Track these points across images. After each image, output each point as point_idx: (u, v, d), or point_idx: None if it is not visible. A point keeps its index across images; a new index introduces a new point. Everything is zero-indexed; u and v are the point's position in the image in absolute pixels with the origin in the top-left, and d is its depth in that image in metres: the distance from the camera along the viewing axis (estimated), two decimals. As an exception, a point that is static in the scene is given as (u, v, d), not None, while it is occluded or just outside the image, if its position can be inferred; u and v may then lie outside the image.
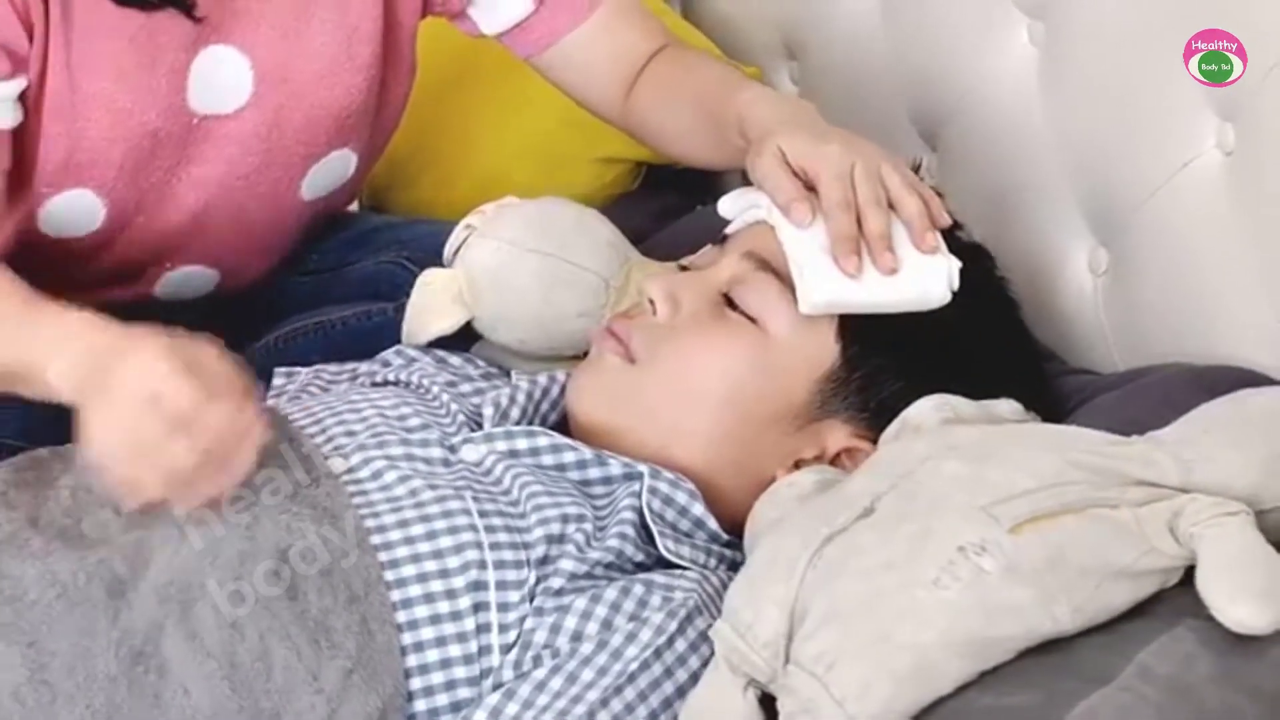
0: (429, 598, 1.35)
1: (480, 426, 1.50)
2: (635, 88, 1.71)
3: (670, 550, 1.40)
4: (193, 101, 1.59)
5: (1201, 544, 1.20)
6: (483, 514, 1.39)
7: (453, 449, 1.46)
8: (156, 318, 1.40)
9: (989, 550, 1.21)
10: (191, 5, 1.53)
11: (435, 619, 1.34)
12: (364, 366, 1.62)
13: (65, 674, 1.29)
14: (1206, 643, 1.15)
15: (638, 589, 1.37)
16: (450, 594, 1.35)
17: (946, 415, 1.40)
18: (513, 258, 1.61)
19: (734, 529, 1.43)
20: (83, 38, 1.51)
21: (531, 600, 1.36)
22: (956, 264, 1.45)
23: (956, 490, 1.26)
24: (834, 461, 1.47)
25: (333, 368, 1.62)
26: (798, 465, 1.46)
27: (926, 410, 1.41)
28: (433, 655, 1.34)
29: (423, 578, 1.35)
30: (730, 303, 1.48)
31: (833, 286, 1.43)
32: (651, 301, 1.50)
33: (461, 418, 1.51)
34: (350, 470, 1.42)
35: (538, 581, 1.36)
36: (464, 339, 1.65)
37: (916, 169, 1.54)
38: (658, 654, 1.34)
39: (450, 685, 1.34)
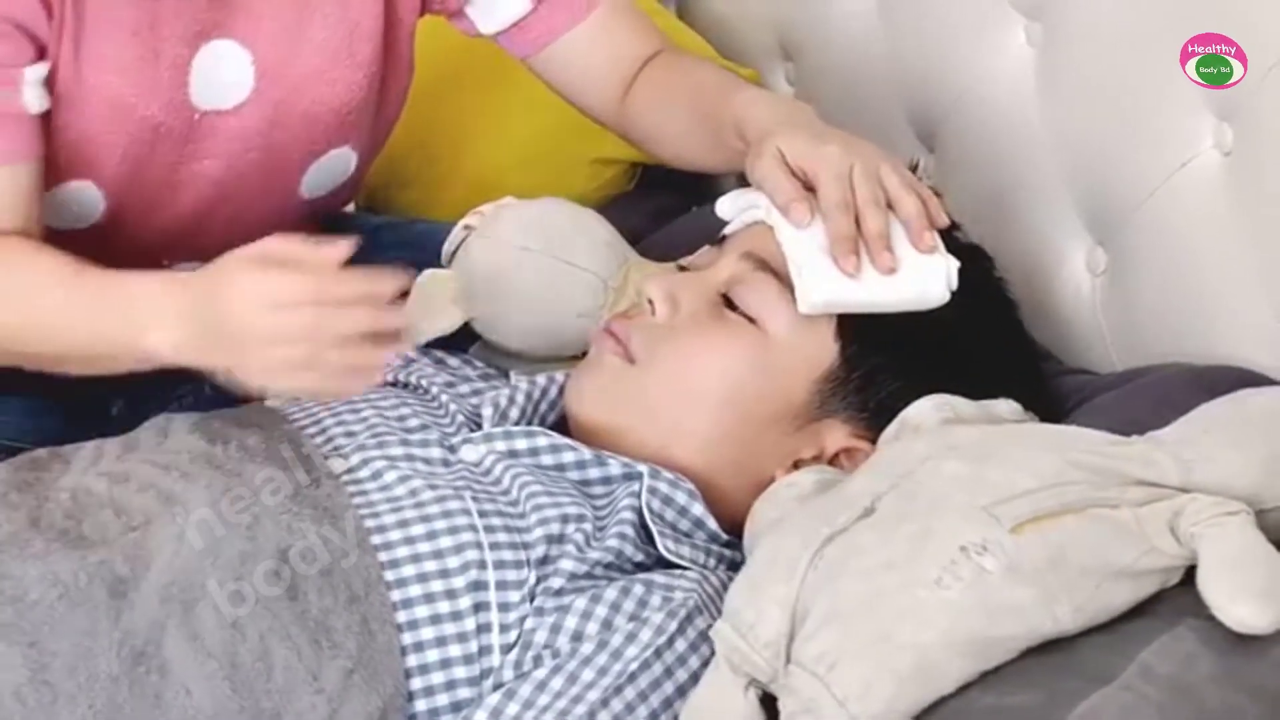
0: (429, 598, 1.35)
1: (479, 427, 1.50)
2: (631, 90, 1.71)
3: (670, 550, 1.40)
4: (194, 97, 1.58)
5: (1202, 543, 1.20)
6: (482, 514, 1.39)
7: (452, 449, 1.46)
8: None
9: (990, 550, 1.21)
10: None
11: (435, 619, 1.34)
12: (363, 366, 1.62)
13: (66, 674, 1.29)
14: (1208, 642, 1.16)
15: (638, 589, 1.37)
16: (450, 594, 1.35)
17: (946, 415, 1.41)
18: (512, 258, 1.61)
19: (733, 529, 1.44)
20: (91, 29, 1.51)
21: (532, 600, 1.36)
22: (955, 264, 1.46)
23: (957, 490, 1.26)
24: (833, 461, 1.47)
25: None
26: (797, 465, 1.46)
27: (926, 410, 1.42)
28: (433, 655, 1.34)
29: (423, 578, 1.35)
30: (729, 303, 1.48)
31: (831, 286, 1.44)
32: (650, 302, 1.50)
33: (460, 418, 1.51)
34: (350, 471, 1.42)
35: (538, 581, 1.36)
36: (462, 339, 1.65)
37: (914, 169, 1.54)
38: (658, 654, 1.34)
39: (450, 685, 1.34)
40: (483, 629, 1.35)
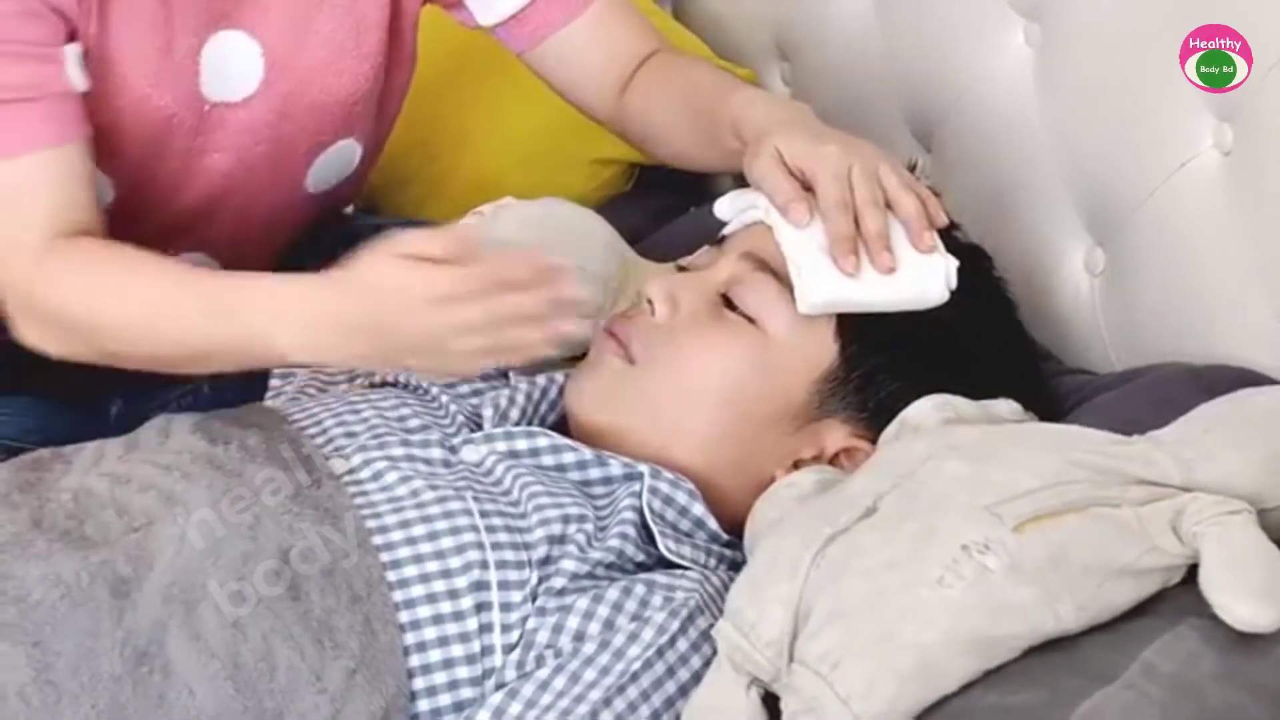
0: (431, 598, 1.35)
1: (479, 427, 1.50)
2: (628, 89, 1.71)
3: (671, 550, 1.40)
4: (205, 88, 1.59)
5: (1204, 543, 1.20)
6: (484, 514, 1.39)
7: (453, 450, 1.46)
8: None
9: (993, 549, 1.21)
10: None
11: (438, 619, 1.34)
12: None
13: (70, 674, 1.28)
14: (1210, 641, 1.16)
15: (639, 589, 1.37)
16: (453, 594, 1.35)
17: (947, 415, 1.41)
18: (511, 258, 1.61)
19: (733, 529, 1.44)
20: (115, 18, 1.51)
21: (534, 600, 1.36)
22: (954, 263, 1.46)
23: (959, 490, 1.26)
24: (833, 461, 1.47)
25: (330, 369, 1.62)
26: (797, 465, 1.46)
27: (926, 410, 1.42)
28: (435, 655, 1.34)
29: (425, 578, 1.35)
30: (729, 303, 1.48)
31: (831, 286, 1.44)
32: (650, 302, 1.50)
33: (461, 419, 1.51)
34: (351, 471, 1.42)
35: (540, 581, 1.36)
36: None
37: (913, 169, 1.54)
38: (660, 653, 1.35)
39: (453, 685, 1.34)
40: (485, 629, 1.35)
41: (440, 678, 1.34)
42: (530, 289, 1.34)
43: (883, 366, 1.47)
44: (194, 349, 1.43)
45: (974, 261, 1.51)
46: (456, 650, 1.34)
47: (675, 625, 1.35)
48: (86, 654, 1.29)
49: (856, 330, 1.46)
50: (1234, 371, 1.47)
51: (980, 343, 1.49)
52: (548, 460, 1.46)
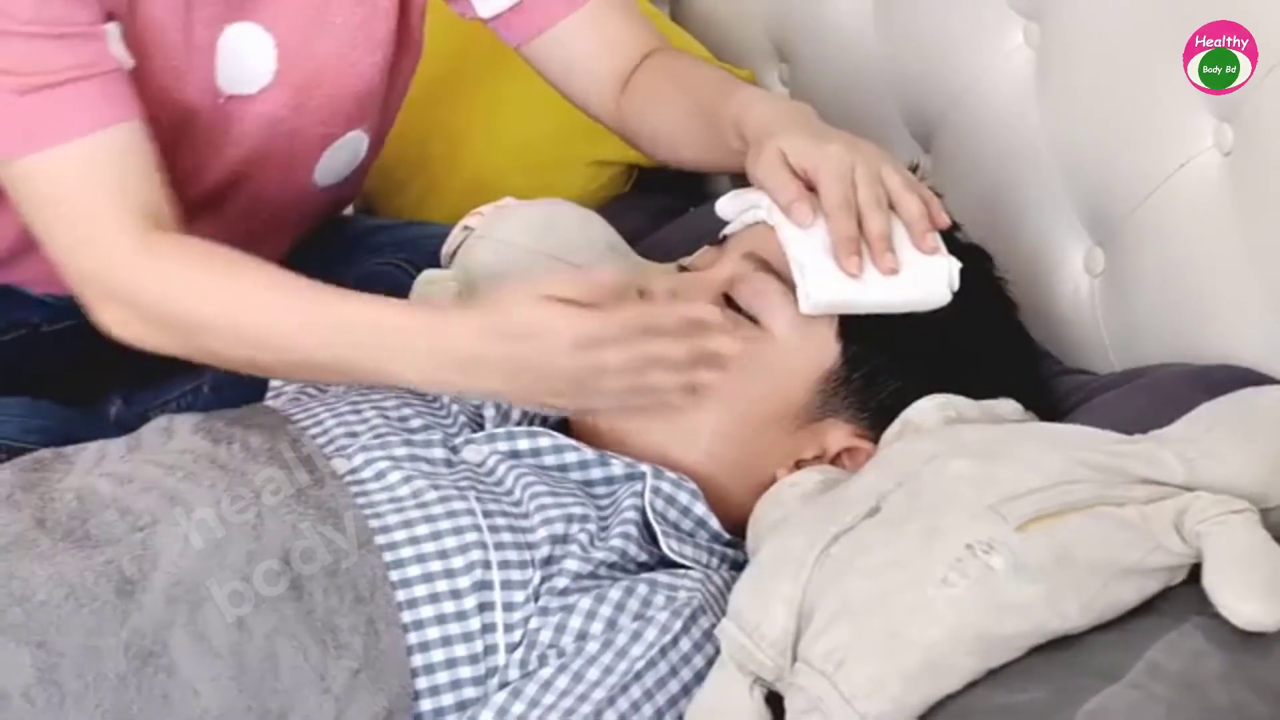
0: (434, 598, 1.35)
1: (481, 427, 1.50)
2: (628, 87, 1.70)
3: (674, 550, 1.40)
4: (221, 80, 1.59)
5: (1208, 541, 1.20)
6: (487, 514, 1.39)
7: (455, 450, 1.46)
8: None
9: (997, 548, 1.21)
10: None
11: (441, 619, 1.34)
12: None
13: (74, 674, 1.28)
14: (1215, 639, 1.16)
15: (642, 588, 1.37)
16: (455, 594, 1.35)
17: (949, 415, 1.41)
18: (512, 258, 1.61)
19: (735, 529, 1.44)
20: (143, 8, 1.51)
21: (536, 599, 1.36)
22: (957, 264, 1.46)
23: (963, 489, 1.26)
24: (834, 461, 1.47)
25: None
26: (798, 465, 1.46)
27: (928, 410, 1.42)
28: (438, 655, 1.34)
29: (428, 578, 1.35)
30: (731, 303, 1.48)
31: (834, 287, 1.44)
32: (651, 302, 1.50)
33: (463, 419, 1.51)
34: (353, 471, 1.42)
35: (542, 581, 1.37)
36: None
37: (915, 170, 1.54)
38: (663, 653, 1.35)
39: (456, 685, 1.34)
40: (488, 628, 1.35)
41: (443, 677, 1.34)
42: (676, 336, 1.37)
43: (884, 366, 1.47)
44: (307, 362, 1.44)
45: (975, 262, 1.51)
46: (459, 650, 1.34)
47: (678, 625, 1.36)
48: (91, 654, 1.29)
49: (858, 330, 1.46)
50: (1234, 371, 1.47)
51: (982, 343, 1.49)
52: (550, 460, 1.46)
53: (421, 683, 1.33)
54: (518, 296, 1.36)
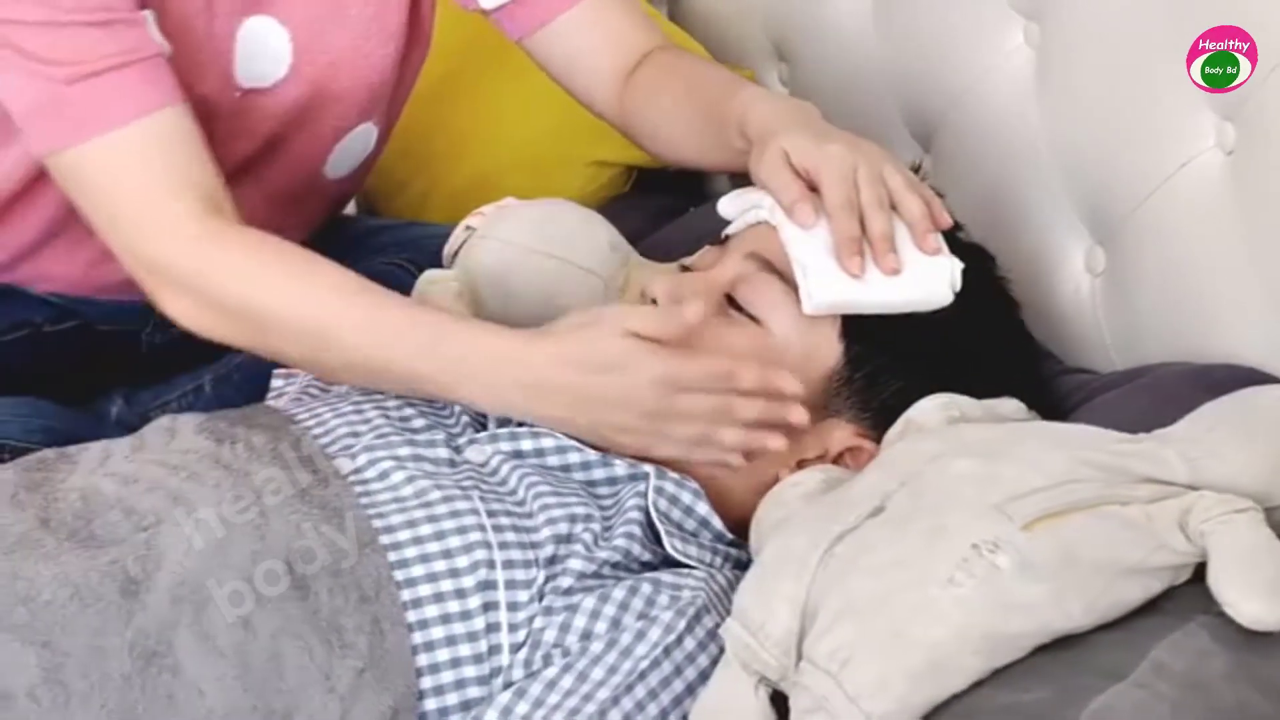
0: (439, 597, 1.35)
1: (484, 427, 1.50)
2: (631, 83, 1.70)
3: (677, 550, 1.40)
4: (238, 74, 1.59)
5: (1212, 541, 1.21)
6: (490, 514, 1.39)
7: (458, 450, 1.46)
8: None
9: (1002, 547, 1.21)
10: None
11: (445, 618, 1.34)
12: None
13: (79, 674, 1.28)
14: (1220, 638, 1.16)
15: (645, 588, 1.37)
16: (460, 594, 1.35)
17: (951, 414, 1.41)
18: (514, 259, 1.61)
19: (738, 528, 1.44)
20: (170, 1, 1.52)
21: (540, 599, 1.36)
22: (959, 265, 1.46)
23: (968, 488, 1.26)
24: (837, 461, 1.47)
25: None
26: (801, 465, 1.46)
27: (931, 409, 1.42)
28: (443, 654, 1.34)
29: (432, 578, 1.35)
30: (733, 303, 1.48)
31: (837, 287, 1.44)
32: (654, 301, 1.50)
33: (466, 419, 1.51)
34: (357, 471, 1.42)
35: (546, 581, 1.37)
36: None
37: (916, 170, 1.54)
38: (667, 652, 1.35)
39: (460, 684, 1.34)
40: (492, 628, 1.35)
41: (448, 677, 1.34)
42: (753, 395, 1.37)
43: (887, 366, 1.47)
44: (367, 366, 1.44)
45: (977, 262, 1.51)
46: (464, 650, 1.34)
47: (682, 624, 1.36)
48: (96, 654, 1.29)
49: (861, 330, 1.46)
50: (1236, 371, 1.47)
51: (984, 343, 1.49)
52: (553, 460, 1.46)
53: (426, 682, 1.33)
54: (602, 329, 1.37)
